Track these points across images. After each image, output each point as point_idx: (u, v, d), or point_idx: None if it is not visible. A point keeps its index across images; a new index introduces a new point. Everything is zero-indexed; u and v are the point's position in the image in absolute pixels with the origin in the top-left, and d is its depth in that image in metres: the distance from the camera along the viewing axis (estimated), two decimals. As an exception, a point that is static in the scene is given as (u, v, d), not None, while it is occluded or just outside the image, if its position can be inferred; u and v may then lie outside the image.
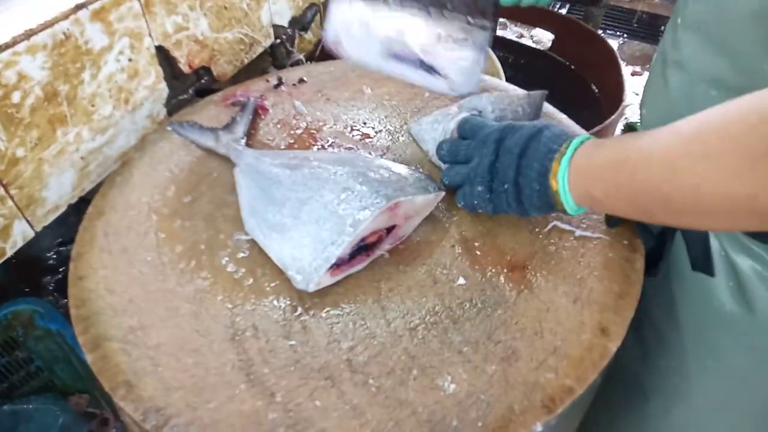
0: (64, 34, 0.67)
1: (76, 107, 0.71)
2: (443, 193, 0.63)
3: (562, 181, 0.52)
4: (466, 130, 0.63)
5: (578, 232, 0.61)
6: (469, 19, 0.64)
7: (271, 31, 1.04)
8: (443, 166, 0.66)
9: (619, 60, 1.15)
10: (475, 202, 0.60)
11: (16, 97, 0.64)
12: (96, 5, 0.69)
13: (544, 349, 0.52)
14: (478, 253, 0.61)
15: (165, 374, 0.50)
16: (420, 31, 0.66)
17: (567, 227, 0.62)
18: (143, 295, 0.56)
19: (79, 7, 0.67)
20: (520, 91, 0.78)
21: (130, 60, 0.77)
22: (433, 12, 0.66)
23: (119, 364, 0.51)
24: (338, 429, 0.47)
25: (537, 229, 0.62)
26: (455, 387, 0.49)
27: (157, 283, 0.58)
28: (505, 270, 0.59)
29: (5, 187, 0.66)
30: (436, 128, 0.71)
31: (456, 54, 0.65)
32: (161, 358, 0.51)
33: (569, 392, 0.48)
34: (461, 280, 0.58)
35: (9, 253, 0.70)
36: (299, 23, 1.12)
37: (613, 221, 0.61)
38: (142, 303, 0.56)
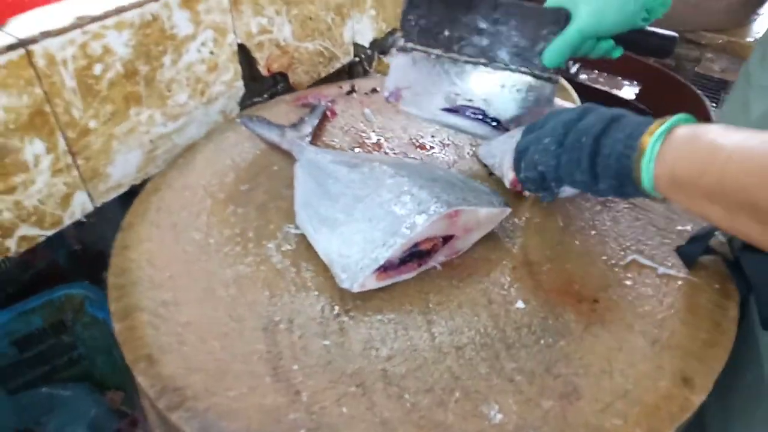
0: (152, 15, 0.68)
1: (152, 89, 0.72)
2: (509, 210, 0.58)
3: (653, 144, 0.44)
4: (547, 116, 0.56)
5: (661, 270, 0.54)
6: (536, 71, 0.65)
7: (351, 48, 1.04)
8: (508, 181, 0.61)
9: (709, 108, 1.07)
10: (537, 157, 0.53)
11: (97, 69, 0.66)
12: (187, -7, 0.71)
13: (612, 391, 0.44)
14: (543, 278, 0.55)
15: (189, 354, 0.47)
16: (484, 84, 0.68)
17: (648, 263, 0.55)
18: (183, 272, 0.54)
19: (170, -7, 0.69)
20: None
21: (211, 53, 0.78)
22: (497, 66, 0.67)
23: (145, 336, 0.48)
24: (363, 441, 0.41)
25: (613, 261, 0.56)
26: (502, 417, 0.43)
27: (200, 262, 0.55)
28: (573, 300, 0.52)
29: (74, 155, 0.67)
30: (507, 141, 0.65)
31: (522, 105, 0.66)
32: (188, 337, 0.48)
33: (639, 445, 0.41)
34: (520, 304, 0.52)
35: (66, 222, 0.70)
36: (379, 46, 1.12)
37: (687, 255, 0.54)
38: (181, 280, 0.53)
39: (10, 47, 0.57)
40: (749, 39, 1.30)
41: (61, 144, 0.65)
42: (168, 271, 0.54)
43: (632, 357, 0.47)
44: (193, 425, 0.42)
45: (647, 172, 0.45)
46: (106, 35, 0.65)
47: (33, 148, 0.63)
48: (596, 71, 1.18)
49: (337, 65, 1.01)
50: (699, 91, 1.13)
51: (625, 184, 0.47)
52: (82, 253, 1.42)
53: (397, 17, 1.12)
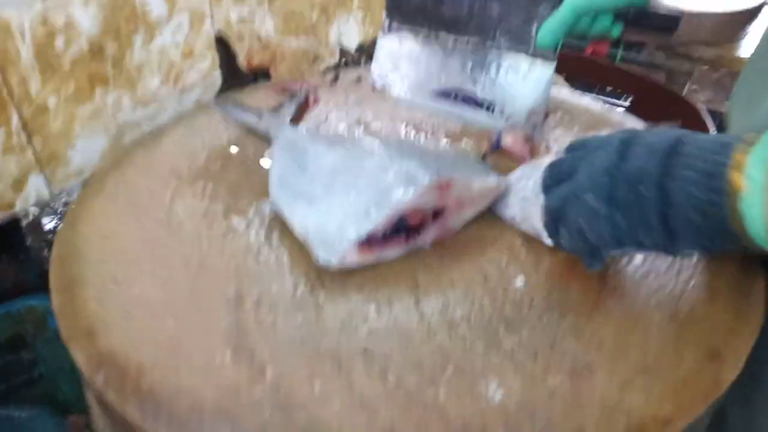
0: (123, -11, 0.64)
1: (120, 71, 0.68)
2: (505, 185, 0.53)
3: (756, 176, 0.32)
4: (575, 146, 0.44)
5: (674, 244, 0.48)
6: (531, 52, 0.61)
7: (337, 51, 1.01)
8: (545, 238, 0.48)
9: (708, 120, 1.04)
10: (581, 222, 0.40)
11: (59, 42, 0.61)
12: (161, -30, 0.67)
13: (630, 367, 0.38)
14: (544, 255, 0.49)
15: (136, 329, 0.40)
16: (476, 66, 0.64)
17: (659, 238, 0.49)
18: (140, 248, 0.48)
19: (143, -32, 0.65)
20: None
21: (186, 38, 0.73)
22: (489, 45, 0.63)
23: (87, 311, 0.41)
24: (338, 420, 0.34)
25: (620, 238, 0.50)
26: (503, 395, 0.36)
27: (160, 239, 0.49)
28: (579, 275, 0.46)
29: (29, 134, 0.62)
30: (524, 185, 0.51)
31: (517, 88, 0.61)
32: (138, 312, 0.42)
33: (666, 423, 0.34)
34: (519, 281, 0.46)
35: (18, 207, 0.64)
36: (366, 51, 1.09)
37: None
38: (136, 255, 0.47)
39: (-40, 6, 0.53)
40: (739, 54, 1.29)
41: (15, 120, 0.60)
42: (122, 245, 0.48)
43: (649, 332, 0.41)
44: (133, 404, 0.35)
45: (755, 217, 0.33)
46: (71, 6, 0.60)
47: (-18, 121, 0.57)
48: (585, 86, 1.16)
49: (322, 66, 0.98)
50: (700, 105, 1.10)
51: (719, 237, 0.35)
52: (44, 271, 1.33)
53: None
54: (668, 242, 0.37)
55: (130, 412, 0.35)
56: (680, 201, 0.35)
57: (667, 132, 0.38)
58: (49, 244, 1.48)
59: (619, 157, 0.38)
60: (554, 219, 0.43)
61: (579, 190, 0.40)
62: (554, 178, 0.44)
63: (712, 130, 1.07)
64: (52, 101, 0.62)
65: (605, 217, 0.38)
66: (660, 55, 1.32)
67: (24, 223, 1.46)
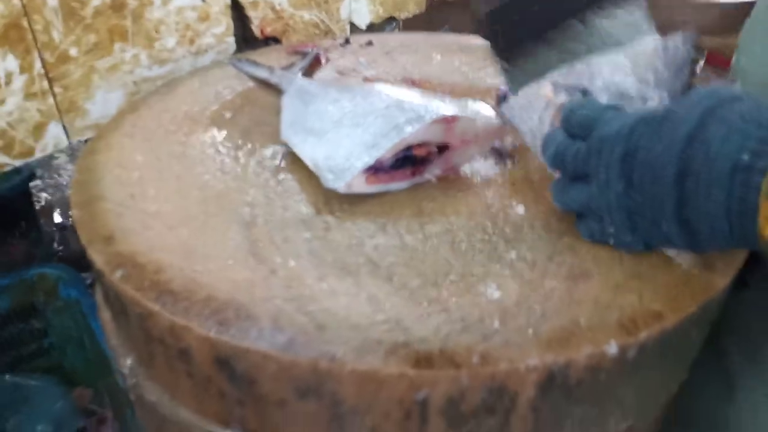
0: (144, -53, 0.67)
1: (139, 27, 0.70)
2: (509, 127, 0.55)
3: None
4: (574, 127, 0.41)
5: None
6: None
7: (348, 28, 1.03)
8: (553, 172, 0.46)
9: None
10: (612, 243, 0.41)
11: (83, -7, 0.64)
12: (181, -68, 0.70)
13: (624, 274, 0.40)
14: (546, 192, 0.50)
15: (154, 237, 0.42)
16: None
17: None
18: (155, 175, 0.50)
19: (164, -72, 0.68)
20: (648, 43, 0.49)
21: (203, 1, 0.76)
22: None
23: (106, 221, 0.43)
24: (346, 311, 0.36)
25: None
26: (501, 294, 0.38)
27: (174, 168, 0.51)
28: (577, 205, 0.48)
29: (50, 81, 0.64)
30: (531, 117, 0.50)
31: None
32: (155, 224, 0.44)
33: (657, 318, 0.36)
34: (520, 209, 0.48)
35: (37, 154, 0.66)
36: (377, 30, 1.11)
37: None
38: (152, 180, 0.49)
39: (-9, -50, 0.56)
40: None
41: (37, 66, 0.62)
42: (138, 173, 0.50)
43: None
44: (151, 297, 0.37)
45: None
46: (95, -42, 0.63)
47: (5, 63, 0.60)
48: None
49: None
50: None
51: (742, 236, 0.32)
52: (64, 255, 1.36)
53: (395, 5, 1.12)
54: (686, 237, 0.36)
55: (148, 305, 0.37)
56: (705, 232, 0.34)
57: (676, 144, 0.33)
58: (60, 227, 1.51)
59: (626, 183, 0.36)
60: (562, 192, 0.43)
61: (596, 212, 0.40)
62: (563, 167, 0.42)
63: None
64: (73, 51, 0.65)
65: (634, 242, 0.39)
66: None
67: (37, 206, 1.49)
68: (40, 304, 0.96)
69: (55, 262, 1.26)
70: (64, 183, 1.68)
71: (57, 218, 1.54)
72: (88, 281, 1.07)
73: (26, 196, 1.15)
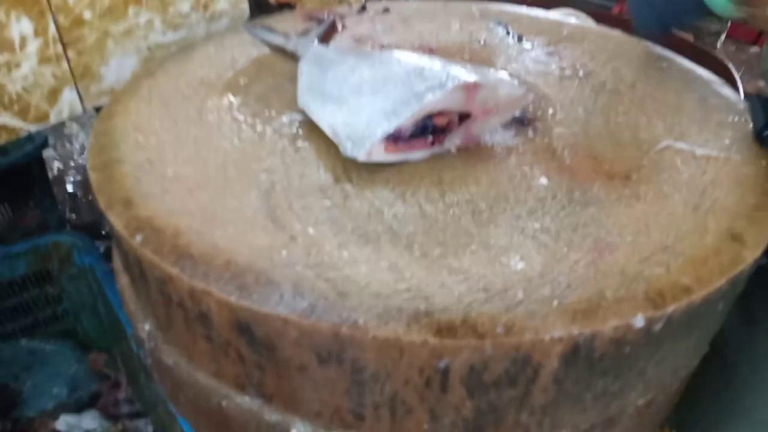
0: None
1: (153, -10, 0.69)
2: (531, 97, 0.54)
3: None
4: None
5: (699, 151, 0.49)
6: None
7: (364, -5, 1.01)
8: None
9: (737, 78, 1.03)
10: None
11: (96, -47, 0.62)
12: None
13: (651, 246, 0.39)
14: (568, 161, 0.49)
15: (173, 201, 0.42)
16: None
17: (685, 147, 0.50)
18: (172, 139, 0.49)
19: None
20: None
21: (218, -37, 0.74)
22: None
23: (124, 184, 0.43)
24: (367, 278, 0.36)
25: (645, 147, 0.50)
26: (524, 265, 0.37)
27: (191, 133, 0.50)
28: (603, 177, 0.47)
29: (65, 46, 0.63)
30: None
31: None
32: (174, 188, 0.43)
33: (685, 291, 0.35)
34: (543, 180, 0.47)
35: (52, 119, 0.66)
36: None
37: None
38: (169, 144, 0.48)
39: None
40: (768, 15, 1.27)
41: (52, 29, 0.61)
42: (156, 138, 0.49)
43: (672, 219, 0.41)
44: (170, 261, 0.36)
45: None
46: None
47: (20, 26, 0.59)
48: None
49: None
50: (727, 61, 1.08)
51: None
52: (76, 223, 1.36)
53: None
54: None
55: (167, 269, 0.37)
56: None
57: None
58: (71, 196, 1.51)
59: None
60: None
61: None
62: None
63: (741, 88, 1.05)
64: (87, 14, 0.64)
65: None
66: (687, 15, 1.30)
67: (51, 175, 1.49)
68: (55, 270, 0.97)
69: (68, 230, 1.27)
70: (76, 151, 1.68)
71: (69, 187, 1.54)
72: (101, 249, 1.08)
73: (40, 163, 1.15)
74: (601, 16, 1.30)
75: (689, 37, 1.31)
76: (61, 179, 1.56)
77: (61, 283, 0.97)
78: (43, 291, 0.98)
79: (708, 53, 1.14)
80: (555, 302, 0.34)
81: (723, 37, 1.33)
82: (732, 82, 1.06)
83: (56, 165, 1.63)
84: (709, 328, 0.42)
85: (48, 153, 1.46)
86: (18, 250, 0.92)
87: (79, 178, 1.57)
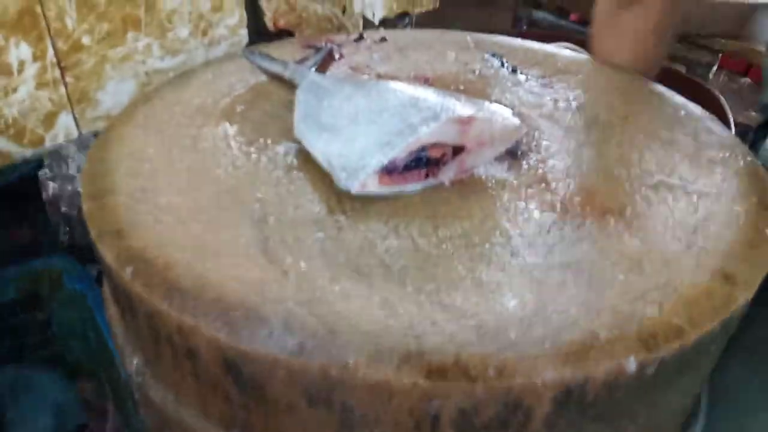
0: (159, -64, 0.66)
1: (152, 17, 0.69)
2: (525, 129, 0.54)
3: None
4: None
5: (691, 187, 0.49)
6: None
7: (361, 22, 1.02)
8: None
9: (728, 110, 1.04)
10: None
11: (96, -20, 0.63)
12: None
13: (644, 284, 0.39)
14: (562, 194, 0.50)
15: (165, 232, 0.41)
16: None
17: (676, 182, 0.50)
18: (166, 167, 0.49)
19: None
20: None
21: (220, -10, 0.75)
22: None
23: (117, 215, 0.43)
24: (359, 315, 0.35)
25: (639, 182, 0.51)
26: (517, 303, 0.37)
27: (185, 161, 0.50)
28: (596, 212, 0.47)
29: (62, 70, 0.63)
30: None
31: None
32: (166, 218, 0.43)
33: (678, 333, 0.35)
34: (536, 214, 0.47)
35: (47, 143, 0.66)
36: (389, 27, 1.10)
37: None
38: (163, 173, 0.48)
39: (5, -65, 0.55)
40: (761, 48, 1.29)
41: (50, 54, 0.62)
42: (150, 165, 0.49)
43: (665, 257, 0.41)
44: (160, 295, 0.36)
45: None
46: (109, -54, 0.62)
47: (18, 51, 0.59)
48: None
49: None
50: (718, 93, 1.10)
51: None
52: (69, 245, 1.36)
53: (409, 0, 1.11)
54: None
55: (156, 303, 0.36)
56: None
57: None
58: (66, 218, 1.50)
59: None
60: None
61: None
62: None
63: (732, 121, 1.07)
64: (86, 39, 0.64)
65: None
66: (680, 47, 1.32)
67: (44, 195, 1.49)
68: (45, 295, 0.96)
69: (61, 253, 1.25)
70: (72, 173, 1.67)
71: (63, 208, 1.53)
72: (94, 273, 1.07)
73: (34, 184, 1.15)
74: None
75: (681, 68, 1.32)
76: (55, 200, 1.55)
77: (51, 308, 0.96)
78: (32, 315, 0.97)
79: (700, 84, 1.15)
80: (547, 343, 0.34)
81: (714, 68, 1.35)
82: (723, 113, 1.07)
83: (51, 186, 1.62)
84: (702, 369, 0.42)
85: (43, 174, 1.46)
86: (8, 273, 0.91)
87: (74, 199, 1.57)
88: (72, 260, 0.97)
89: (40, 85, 0.62)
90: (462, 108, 0.50)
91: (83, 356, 1.00)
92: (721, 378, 0.52)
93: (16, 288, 0.93)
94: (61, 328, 0.98)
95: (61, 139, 0.66)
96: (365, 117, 0.51)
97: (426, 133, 0.48)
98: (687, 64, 1.30)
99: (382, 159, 0.47)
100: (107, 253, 0.39)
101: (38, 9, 0.59)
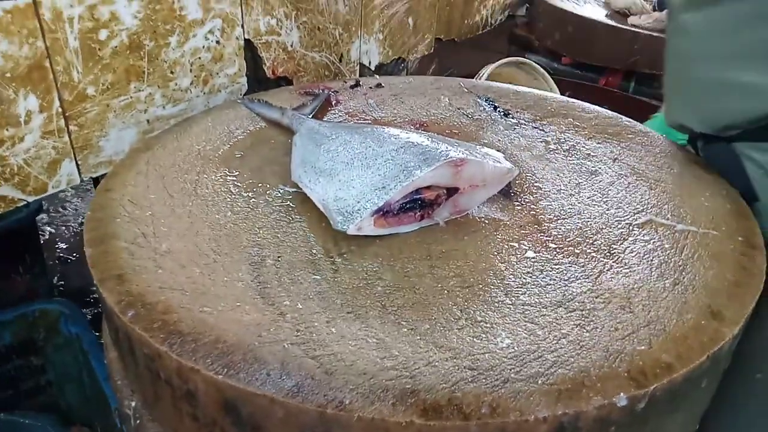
0: (163, -8, 0.69)
1: (155, 67, 0.72)
2: (516, 171, 0.56)
3: None
4: None
5: (680, 226, 0.51)
6: None
7: (358, 69, 1.06)
8: None
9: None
10: None
11: (102, 34, 0.66)
12: (199, -23, 0.72)
13: (634, 322, 0.40)
14: (554, 233, 0.51)
15: (165, 277, 0.42)
16: None
17: (665, 221, 0.51)
18: (167, 213, 0.50)
19: (183, -26, 0.71)
20: None
21: (218, 42, 0.78)
22: None
23: (118, 260, 0.44)
24: (354, 356, 0.36)
25: (628, 221, 0.52)
26: (511, 342, 0.38)
27: (186, 207, 0.52)
28: (587, 251, 0.48)
29: (67, 120, 0.66)
30: None
31: None
32: (166, 263, 0.44)
33: (667, 369, 0.36)
34: (530, 254, 0.48)
35: (50, 190, 0.67)
36: (385, 73, 1.14)
37: None
38: (164, 218, 0.50)
39: (18, -6, 0.58)
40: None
41: (56, 105, 0.64)
42: (150, 211, 0.51)
43: (653, 295, 0.42)
44: (160, 338, 0.37)
45: None
46: (116, 2, 0.65)
47: (27, 103, 0.61)
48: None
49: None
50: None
51: None
52: (64, 288, 1.36)
53: (404, 46, 1.15)
54: None
55: (156, 345, 0.37)
56: None
57: None
58: (62, 261, 1.51)
59: None
60: None
61: None
62: None
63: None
64: (91, 90, 0.67)
65: None
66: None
67: (41, 239, 1.50)
68: (41, 340, 0.95)
69: (56, 295, 1.25)
70: (70, 215, 1.69)
71: (60, 251, 1.54)
72: (89, 315, 1.06)
73: (32, 229, 1.16)
74: (589, 88, 1.36)
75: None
76: (52, 243, 1.56)
77: (46, 353, 0.95)
78: (27, 361, 0.96)
79: (648, 103, 1.19)
80: (540, 380, 0.34)
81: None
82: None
83: (48, 229, 1.63)
84: (695, 404, 0.42)
85: (41, 217, 1.47)
86: (4, 318, 0.91)
87: (70, 242, 1.58)
88: (68, 302, 0.97)
89: (46, 134, 0.64)
90: (455, 152, 0.52)
91: (78, 401, 0.99)
92: None
93: (11, 333, 0.93)
94: (57, 373, 0.97)
95: (63, 186, 0.68)
96: (361, 162, 0.53)
97: (420, 177, 0.49)
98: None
99: (377, 202, 0.48)
100: (109, 297, 0.40)
101: (47, 63, 0.61)
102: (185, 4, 0.72)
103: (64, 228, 1.66)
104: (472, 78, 1.17)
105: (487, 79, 1.19)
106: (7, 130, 0.61)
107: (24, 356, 0.94)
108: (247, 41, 0.82)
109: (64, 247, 1.56)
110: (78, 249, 1.61)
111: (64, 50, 0.63)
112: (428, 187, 0.51)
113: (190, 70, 0.76)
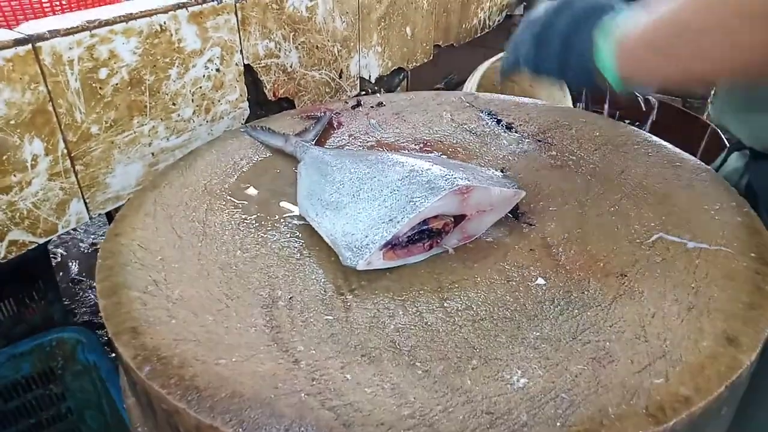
0: (161, 26, 0.70)
1: (157, 101, 0.72)
2: (523, 193, 0.55)
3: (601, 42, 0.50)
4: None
5: (691, 244, 0.50)
6: None
7: (358, 83, 1.05)
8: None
9: (724, 140, 1.06)
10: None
11: (103, 73, 0.66)
12: (195, 8, 0.73)
13: (649, 353, 0.39)
14: (563, 258, 0.51)
15: (178, 327, 0.43)
16: None
17: (676, 239, 0.51)
18: (177, 256, 0.51)
19: (179, 6, 0.71)
20: None
21: (217, 70, 0.78)
22: None
23: (131, 311, 0.44)
24: (371, 405, 0.36)
25: (638, 241, 0.52)
26: (526, 381, 0.38)
27: (195, 248, 0.52)
28: (598, 275, 0.48)
29: (72, 160, 0.66)
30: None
31: None
32: (179, 312, 0.44)
33: (685, 403, 0.35)
34: (540, 281, 0.48)
35: (60, 230, 0.67)
36: (386, 83, 1.14)
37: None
38: (174, 262, 0.50)
39: (18, 42, 0.58)
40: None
41: (61, 146, 0.64)
42: (160, 255, 0.51)
43: (668, 322, 0.42)
44: (177, 394, 0.37)
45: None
46: (114, 40, 0.66)
47: (32, 147, 0.62)
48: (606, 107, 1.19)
49: (343, 98, 1.03)
50: (714, 126, 1.12)
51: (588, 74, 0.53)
52: (78, 311, 1.37)
53: (403, 56, 1.15)
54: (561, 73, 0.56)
55: (174, 402, 0.37)
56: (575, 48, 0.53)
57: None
58: (75, 282, 1.52)
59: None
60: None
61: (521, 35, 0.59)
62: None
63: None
64: (94, 129, 0.67)
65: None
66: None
67: (53, 262, 1.51)
68: (59, 368, 0.96)
69: (71, 319, 1.26)
70: (80, 237, 1.71)
71: (72, 273, 1.56)
72: (104, 338, 1.07)
73: (44, 256, 1.17)
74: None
75: (678, 102, 1.35)
76: (64, 266, 1.58)
77: (65, 381, 0.96)
78: (46, 390, 0.97)
79: (697, 118, 1.17)
80: (558, 423, 0.34)
81: (710, 100, 1.37)
82: (718, 144, 1.09)
83: (59, 251, 1.65)
84: (715, 430, 0.42)
85: (51, 239, 1.48)
86: (22, 349, 0.92)
87: (81, 264, 1.59)
88: (84, 330, 0.98)
89: (53, 176, 0.64)
90: (461, 179, 0.52)
91: (98, 428, 1.00)
92: None
93: (30, 363, 0.94)
94: (76, 402, 0.98)
95: (73, 225, 0.68)
96: (367, 193, 0.53)
97: (427, 207, 0.49)
98: (683, 97, 1.32)
99: (386, 236, 0.48)
100: (125, 352, 0.41)
101: (50, 107, 0.62)
102: (183, 35, 0.72)
103: (75, 249, 1.67)
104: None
105: (480, 78, 1.18)
106: (14, 176, 0.61)
107: (43, 385, 0.95)
108: (247, 66, 0.82)
109: (76, 270, 1.58)
110: (89, 270, 1.62)
111: (66, 92, 0.63)
112: (435, 216, 0.51)
113: (192, 100, 0.76)
